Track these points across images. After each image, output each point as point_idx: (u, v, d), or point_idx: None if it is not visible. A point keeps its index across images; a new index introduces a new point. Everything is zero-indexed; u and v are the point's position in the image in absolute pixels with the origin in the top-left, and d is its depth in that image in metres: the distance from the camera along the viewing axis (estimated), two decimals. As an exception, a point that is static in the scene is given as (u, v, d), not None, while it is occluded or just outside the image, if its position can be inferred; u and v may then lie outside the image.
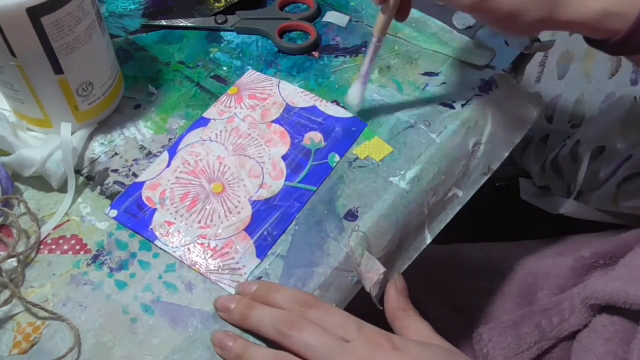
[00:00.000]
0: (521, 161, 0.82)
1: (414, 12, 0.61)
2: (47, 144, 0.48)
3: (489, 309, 0.60)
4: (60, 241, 0.46)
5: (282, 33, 0.60)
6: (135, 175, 0.49)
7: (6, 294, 0.42)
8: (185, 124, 0.53)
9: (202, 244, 0.46)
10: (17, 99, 0.48)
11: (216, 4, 0.62)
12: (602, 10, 0.41)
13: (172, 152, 0.51)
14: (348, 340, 0.40)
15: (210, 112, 0.54)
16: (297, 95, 0.55)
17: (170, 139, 0.52)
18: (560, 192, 0.73)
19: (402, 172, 0.50)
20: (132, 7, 0.62)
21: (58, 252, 0.45)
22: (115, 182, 0.49)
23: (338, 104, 0.54)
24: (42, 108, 0.48)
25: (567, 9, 0.42)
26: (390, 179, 0.49)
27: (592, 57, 0.73)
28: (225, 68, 0.57)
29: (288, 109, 0.54)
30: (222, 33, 0.60)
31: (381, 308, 0.45)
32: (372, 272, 0.45)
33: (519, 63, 0.59)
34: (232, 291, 0.43)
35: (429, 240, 0.49)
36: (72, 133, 0.50)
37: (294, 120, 0.53)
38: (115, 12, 0.61)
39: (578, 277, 0.54)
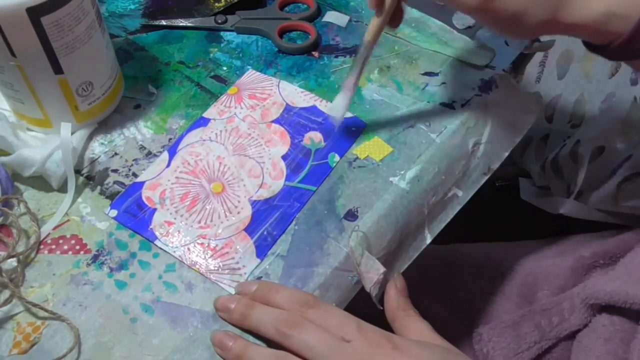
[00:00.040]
0: (521, 161, 0.82)
1: (414, 12, 0.61)
2: (47, 144, 0.48)
3: (489, 309, 0.60)
4: (60, 241, 0.46)
5: (282, 33, 0.60)
6: (135, 175, 0.49)
7: (6, 294, 0.42)
8: (185, 124, 0.53)
9: (202, 244, 0.46)
10: (17, 99, 0.48)
11: (216, 4, 0.62)
12: (606, 12, 0.41)
13: (172, 152, 0.51)
14: (348, 340, 0.39)
15: (210, 112, 0.53)
16: (297, 95, 0.55)
17: (170, 139, 0.52)
18: (560, 192, 0.73)
19: (402, 172, 0.50)
20: (132, 7, 0.62)
21: (58, 252, 0.45)
22: (115, 182, 0.49)
23: (338, 104, 0.54)
24: (42, 108, 0.48)
25: (572, 11, 0.42)
26: (390, 179, 0.49)
27: (592, 57, 0.73)
28: (225, 68, 0.57)
29: (288, 109, 0.54)
30: (222, 33, 0.60)
31: (381, 308, 0.45)
32: (372, 272, 0.45)
33: (519, 63, 0.59)
34: (232, 291, 0.43)
35: (429, 240, 0.49)
36: (72, 133, 0.50)
37: (294, 120, 0.53)
38: (115, 12, 0.61)
39: (578, 277, 0.54)
